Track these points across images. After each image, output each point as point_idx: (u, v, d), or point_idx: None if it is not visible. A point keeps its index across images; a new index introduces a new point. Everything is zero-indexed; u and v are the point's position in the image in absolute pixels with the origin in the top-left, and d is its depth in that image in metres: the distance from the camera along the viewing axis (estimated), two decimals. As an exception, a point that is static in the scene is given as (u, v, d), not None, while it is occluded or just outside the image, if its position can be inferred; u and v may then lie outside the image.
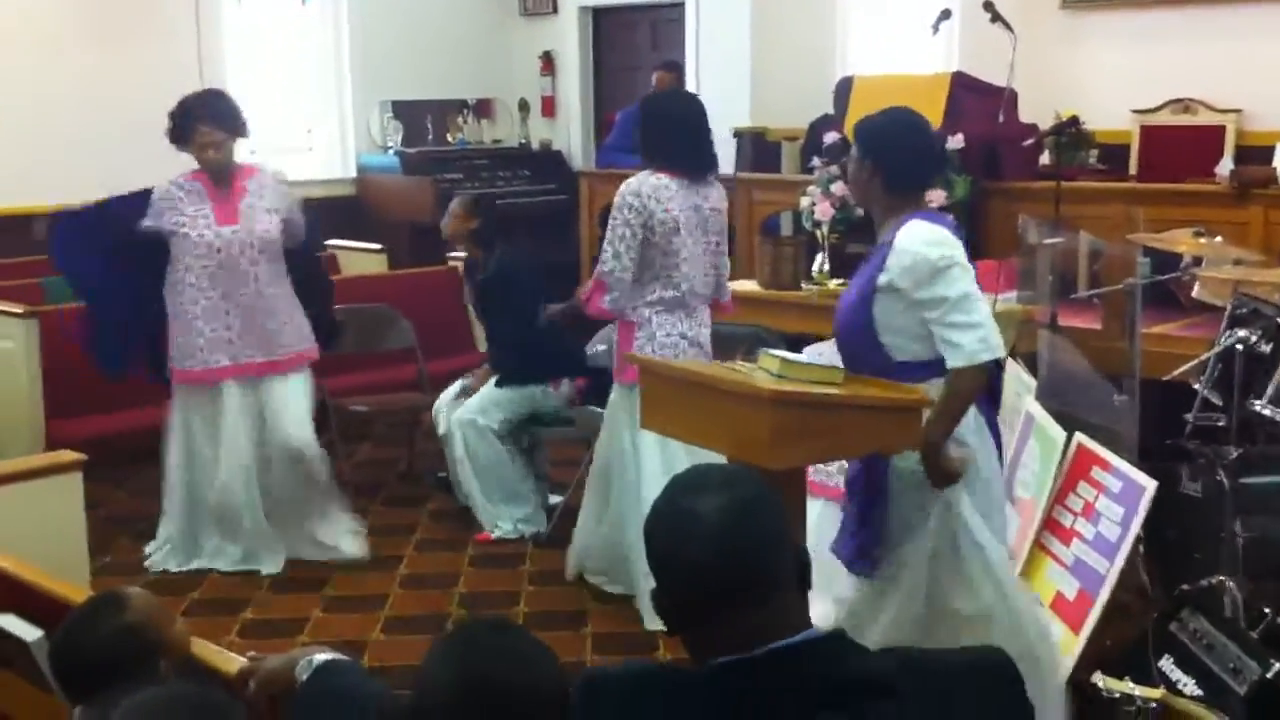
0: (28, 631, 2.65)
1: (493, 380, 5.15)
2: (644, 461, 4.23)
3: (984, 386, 2.97)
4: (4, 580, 2.82)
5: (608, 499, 4.45)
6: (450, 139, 9.10)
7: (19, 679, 2.72)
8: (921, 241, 2.92)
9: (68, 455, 3.46)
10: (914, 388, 2.83)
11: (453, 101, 9.20)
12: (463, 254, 5.76)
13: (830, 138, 6.17)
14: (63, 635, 2.23)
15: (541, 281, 5.20)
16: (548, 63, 9.34)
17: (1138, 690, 2.13)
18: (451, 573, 4.76)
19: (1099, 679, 2.18)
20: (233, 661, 2.34)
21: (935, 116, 5.73)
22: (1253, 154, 6.41)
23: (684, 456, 3.85)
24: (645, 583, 4.31)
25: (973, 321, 2.87)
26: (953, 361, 2.88)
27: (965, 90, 5.91)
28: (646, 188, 4.14)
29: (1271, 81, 6.74)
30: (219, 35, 8.11)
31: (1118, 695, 2.19)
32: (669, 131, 4.24)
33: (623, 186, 4.20)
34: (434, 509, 5.45)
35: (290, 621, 4.31)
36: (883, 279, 2.93)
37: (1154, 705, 2.09)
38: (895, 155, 3.04)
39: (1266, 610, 3.49)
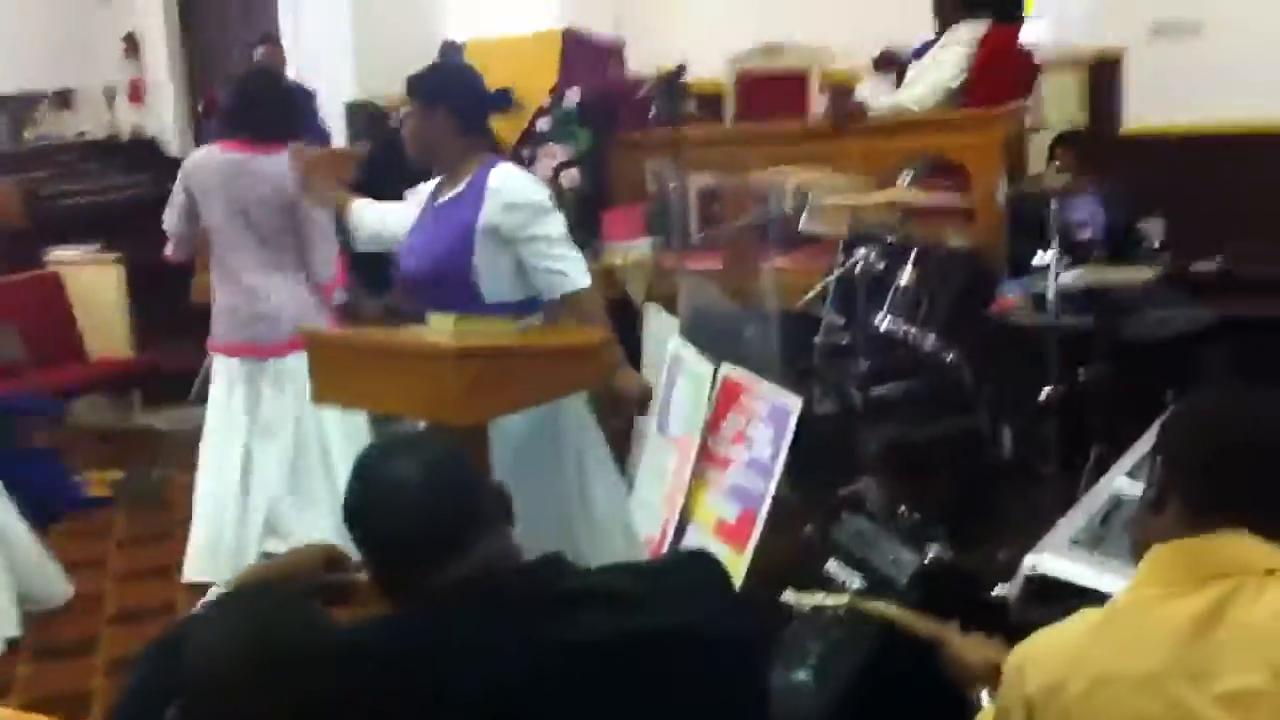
0: None
1: None
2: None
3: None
4: None
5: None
6: (27, 135, 8.42)
7: None
8: (524, 184, 3.11)
9: None
10: (589, 329, 2.92)
11: (28, 94, 8.50)
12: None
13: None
14: None
15: None
16: (132, 45, 8.77)
17: (829, 600, 2.24)
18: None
19: (791, 597, 2.28)
20: None
21: (550, 73, 5.80)
22: (838, 93, 6.81)
23: None
24: None
25: (573, 254, 3.10)
26: (565, 288, 3.06)
27: (576, 46, 6.00)
28: (193, 160, 4.40)
29: (851, 21, 7.16)
30: None
31: (809, 609, 2.30)
32: (237, 105, 4.43)
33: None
34: (65, 531, 4.98)
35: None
36: (483, 222, 3.02)
37: (843, 611, 2.21)
38: (466, 98, 3.18)
39: (903, 508, 3.77)
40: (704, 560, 1.97)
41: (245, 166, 4.25)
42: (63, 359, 5.99)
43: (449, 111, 3.11)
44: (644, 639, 1.73)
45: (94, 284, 6.18)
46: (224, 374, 4.38)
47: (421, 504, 1.72)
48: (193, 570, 4.35)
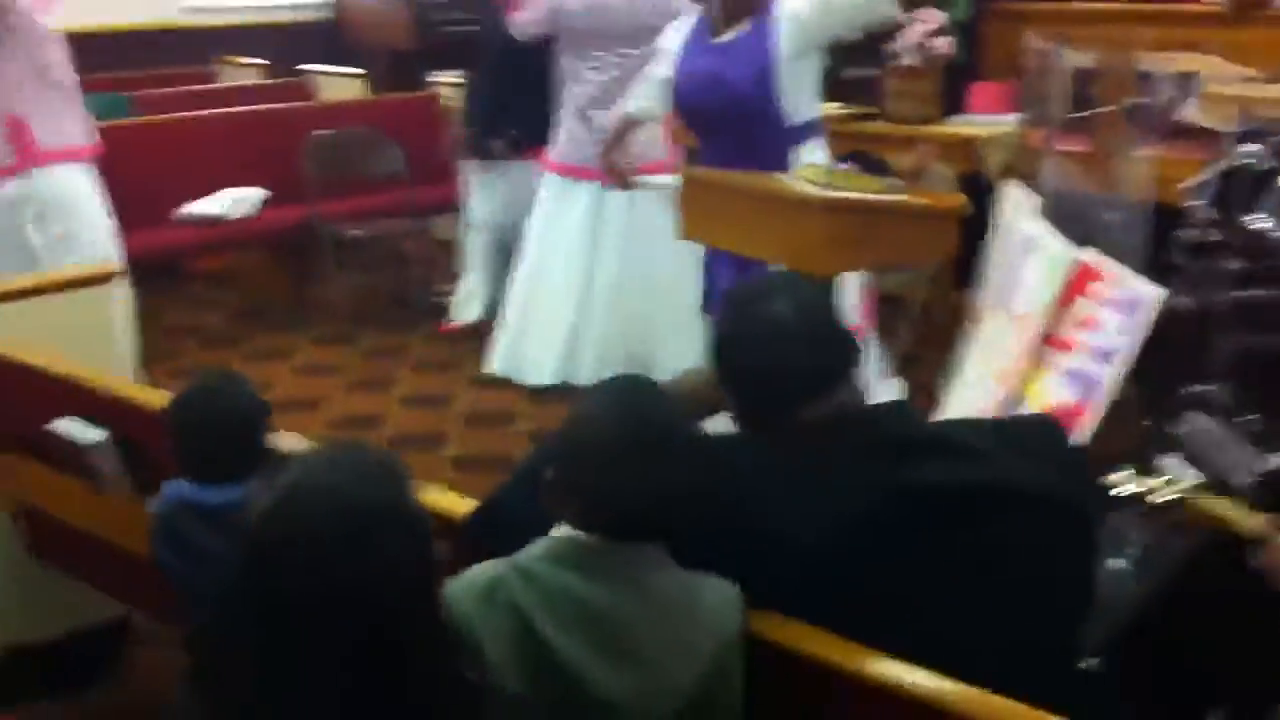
0: (87, 434, 2.61)
1: None
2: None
3: None
4: (58, 383, 2.73)
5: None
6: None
7: (77, 483, 2.70)
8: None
9: (108, 266, 3.38)
10: (951, 195, 2.92)
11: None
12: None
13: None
14: (204, 406, 2.12)
15: None
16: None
17: (1160, 485, 2.15)
18: (449, 393, 4.80)
19: (1121, 478, 2.21)
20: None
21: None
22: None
23: None
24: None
25: None
26: None
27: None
28: None
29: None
30: None
31: (1136, 491, 2.23)
32: None
33: None
34: (427, 333, 5.48)
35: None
36: (786, 48, 3.30)
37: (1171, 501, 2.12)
38: None
39: (1254, 415, 3.58)
40: (1050, 426, 1.95)
41: None
42: (436, 177, 6.35)
43: None
44: (982, 492, 1.71)
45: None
46: (559, 192, 4.64)
47: (797, 344, 1.74)
48: (498, 363, 4.75)
